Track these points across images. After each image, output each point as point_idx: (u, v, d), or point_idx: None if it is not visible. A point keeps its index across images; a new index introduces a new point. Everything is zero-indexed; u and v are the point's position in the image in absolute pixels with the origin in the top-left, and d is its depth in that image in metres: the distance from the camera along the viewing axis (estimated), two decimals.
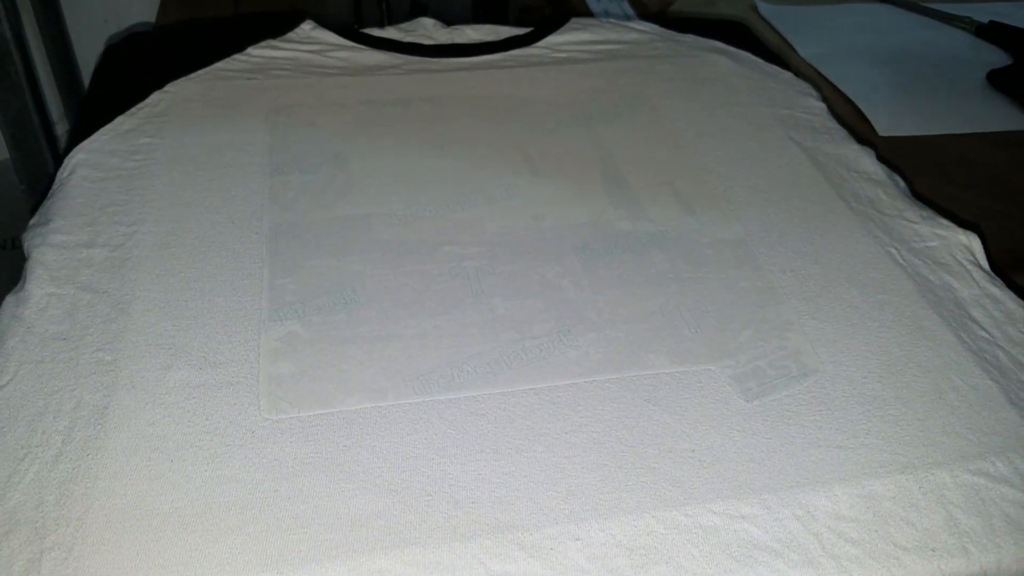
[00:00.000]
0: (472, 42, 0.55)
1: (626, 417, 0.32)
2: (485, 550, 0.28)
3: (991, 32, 0.63)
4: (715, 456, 0.31)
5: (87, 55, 0.78)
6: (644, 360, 0.35)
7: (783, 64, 0.55)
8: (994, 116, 0.55)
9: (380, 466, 0.30)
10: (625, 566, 0.28)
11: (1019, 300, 0.38)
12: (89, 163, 0.44)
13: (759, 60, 0.55)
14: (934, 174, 0.49)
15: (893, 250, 0.40)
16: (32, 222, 0.41)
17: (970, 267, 0.40)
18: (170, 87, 0.49)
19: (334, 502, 0.29)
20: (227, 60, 0.52)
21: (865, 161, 0.46)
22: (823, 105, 0.51)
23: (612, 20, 0.57)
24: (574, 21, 0.57)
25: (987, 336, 0.37)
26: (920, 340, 0.36)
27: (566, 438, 0.31)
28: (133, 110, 0.47)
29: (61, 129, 0.73)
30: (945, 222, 0.42)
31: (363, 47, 0.54)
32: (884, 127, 0.53)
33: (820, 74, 0.58)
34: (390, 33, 0.55)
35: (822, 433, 0.32)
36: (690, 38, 0.56)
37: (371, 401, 0.32)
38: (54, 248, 0.39)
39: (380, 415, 0.32)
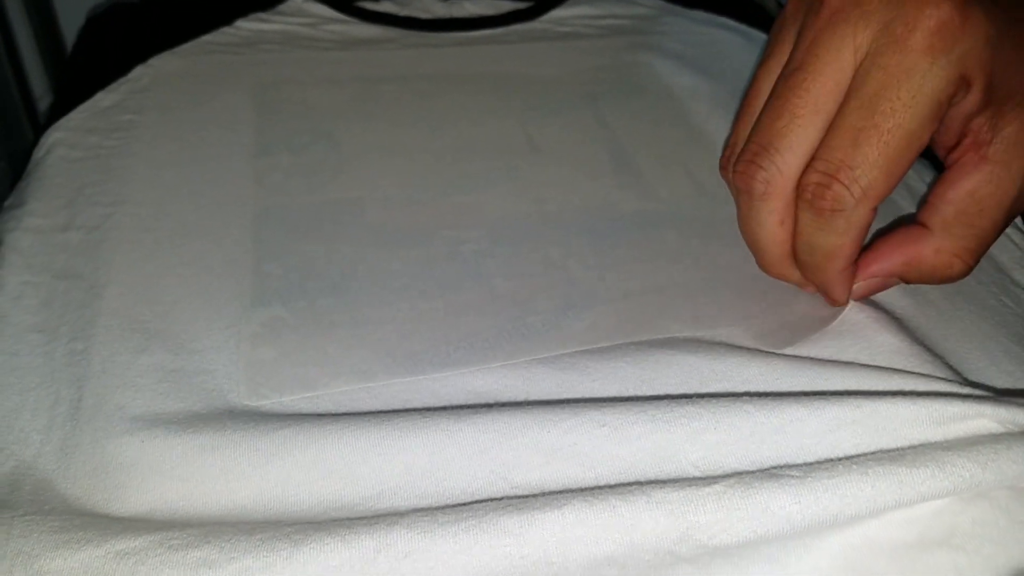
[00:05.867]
0: (471, 16, 0.53)
1: (644, 371, 0.29)
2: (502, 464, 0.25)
3: None
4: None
5: (73, 26, 0.75)
6: (660, 325, 0.32)
7: None
8: None
9: (366, 449, 0.27)
10: (674, 439, 0.24)
11: None
12: (67, 142, 0.42)
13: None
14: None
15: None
16: (6, 204, 0.39)
17: (1008, 230, 0.37)
18: (153, 61, 0.47)
19: (315, 487, 0.27)
20: (214, 33, 0.50)
21: None
22: None
23: None
24: None
25: None
26: (960, 302, 0.33)
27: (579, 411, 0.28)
28: (114, 85, 0.45)
29: (45, 104, 0.71)
30: None
31: (357, 20, 0.52)
32: None
33: None
34: (385, 6, 0.53)
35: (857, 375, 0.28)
36: (699, 14, 0.54)
37: (358, 382, 0.30)
38: (29, 233, 0.37)
39: (369, 396, 0.30)
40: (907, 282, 0.31)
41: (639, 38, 0.51)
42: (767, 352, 0.29)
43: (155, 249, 0.36)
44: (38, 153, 0.42)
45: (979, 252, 0.30)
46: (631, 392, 0.29)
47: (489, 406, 0.28)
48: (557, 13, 0.54)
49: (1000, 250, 0.36)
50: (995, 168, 0.28)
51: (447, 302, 0.34)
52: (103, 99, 0.44)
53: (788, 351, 0.30)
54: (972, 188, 0.29)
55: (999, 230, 0.30)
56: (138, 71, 0.46)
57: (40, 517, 0.26)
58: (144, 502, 0.27)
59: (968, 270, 0.30)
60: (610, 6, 0.54)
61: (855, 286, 0.31)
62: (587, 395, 0.29)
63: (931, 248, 0.30)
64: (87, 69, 0.49)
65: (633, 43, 0.51)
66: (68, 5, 0.73)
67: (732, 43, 0.52)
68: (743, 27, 0.53)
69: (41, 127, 0.44)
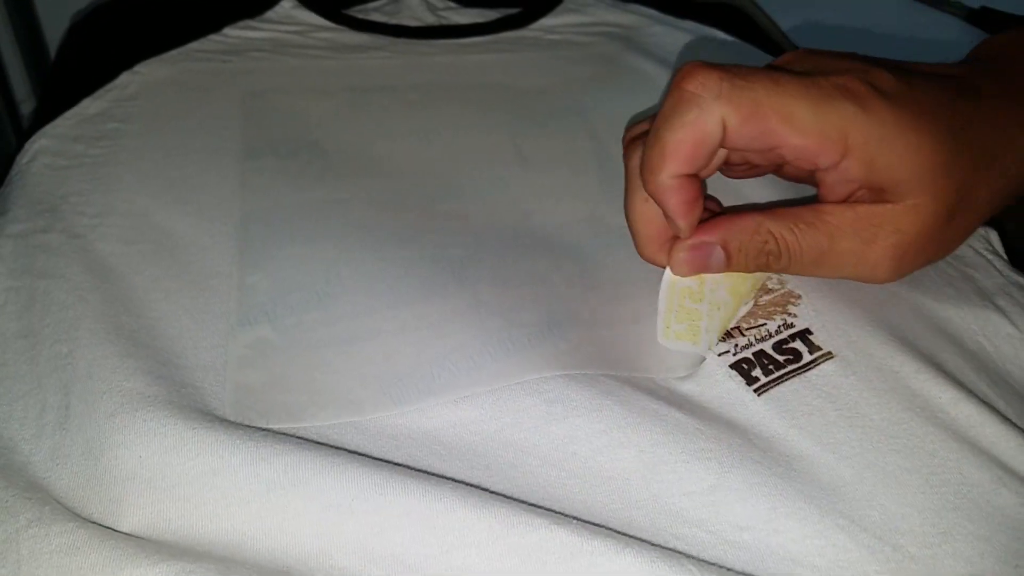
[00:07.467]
0: (460, 24, 0.53)
1: (630, 414, 0.30)
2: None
3: (983, 18, 0.60)
4: (735, 459, 0.28)
5: (55, 29, 0.75)
6: (640, 365, 0.32)
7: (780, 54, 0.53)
8: None
9: (368, 487, 0.27)
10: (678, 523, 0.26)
11: None
12: (51, 149, 0.41)
13: (757, 51, 0.53)
14: None
15: None
16: None
17: (991, 257, 0.37)
18: (140, 68, 0.47)
19: (314, 518, 0.27)
20: (202, 40, 0.49)
21: None
22: None
23: (607, 1, 0.55)
24: (568, 2, 0.54)
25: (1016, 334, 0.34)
26: (940, 334, 0.33)
27: (565, 447, 0.29)
28: (100, 92, 0.45)
29: (27, 108, 0.70)
30: None
31: (346, 28, 0.51)
32: None
33: None
34: (375, 14, 0.52)
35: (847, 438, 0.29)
36: (689, 24, 0.54)
37: (347, 415, 0.30)
38: (11, 239, 0.36)
39: (357, 432, 0.30)
40: (728, 255, 0.31)
41: (629, 48, 0.51)
42: (748, 416, 0.30)
43: (141, 262, 0.35)
44: (22, 159, 0.41)
45: (794, 248, 0.30)
46: (614, 431, 0.29)
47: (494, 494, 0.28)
48: (547, 21, 0.54)
49: (984, 275, 0.36)
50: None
51: (431, 308, 0.34)
52: (89, 106, 0.44)
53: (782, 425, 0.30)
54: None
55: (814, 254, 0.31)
56: (124, 78, 0.46)
57: (44, 529, 0.26)
58: (142, 517, 0.27)
59: (779, 253, 0.30)
60: (600, 13, 0.54)
61: (681, 251, 0.31)
62: (571, 430, 0.29)
63: (754, 220, 0.30)
64: (72, 74, 0.49)
65: (623, 53, 0.51)
66: (50, 7, 0.72)
67: (721, 55, 0.52)
68: (732, 39, 0.53)
69: (23, 132, 0.43)
